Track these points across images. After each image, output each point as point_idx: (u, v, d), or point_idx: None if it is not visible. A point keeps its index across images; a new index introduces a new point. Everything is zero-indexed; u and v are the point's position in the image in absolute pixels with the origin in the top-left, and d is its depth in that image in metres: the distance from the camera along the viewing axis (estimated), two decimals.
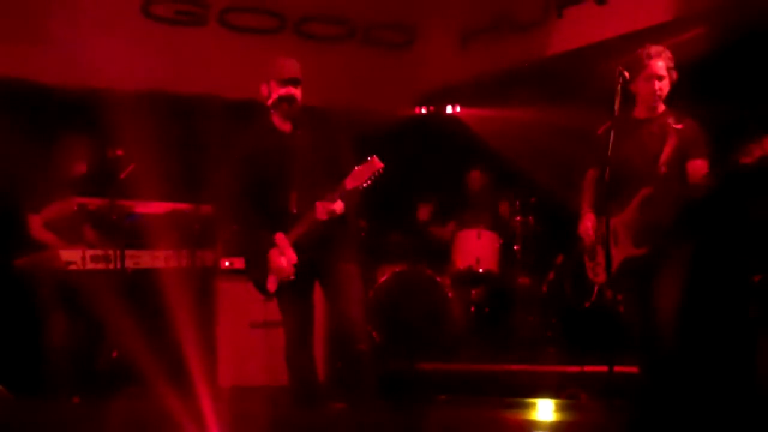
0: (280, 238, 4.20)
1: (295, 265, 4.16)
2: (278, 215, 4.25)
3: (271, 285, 4.24)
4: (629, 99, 4.21)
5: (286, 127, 4.33)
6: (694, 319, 4.30)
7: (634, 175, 4.11)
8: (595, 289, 4.52)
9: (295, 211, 4.21)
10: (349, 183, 4.07)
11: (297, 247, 4.20)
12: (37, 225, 5.20)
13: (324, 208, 4.11)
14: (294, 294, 4.27)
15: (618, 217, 4.16)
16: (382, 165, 4.06)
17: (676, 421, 3.80)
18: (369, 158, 4.08)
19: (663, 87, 4.17)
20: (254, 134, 4.36)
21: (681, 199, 4.07)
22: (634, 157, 4.12)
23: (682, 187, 4.08)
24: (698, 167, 4.06)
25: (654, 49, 4.17)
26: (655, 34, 4.43)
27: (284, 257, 4.16)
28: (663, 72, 4.15)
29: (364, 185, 4.07)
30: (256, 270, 4.30)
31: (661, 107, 4.23)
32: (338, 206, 4.12)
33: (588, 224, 4.33)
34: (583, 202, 4.42)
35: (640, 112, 4.24)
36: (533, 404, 4.67)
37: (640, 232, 4.12)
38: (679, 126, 4.12)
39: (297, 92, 4.25)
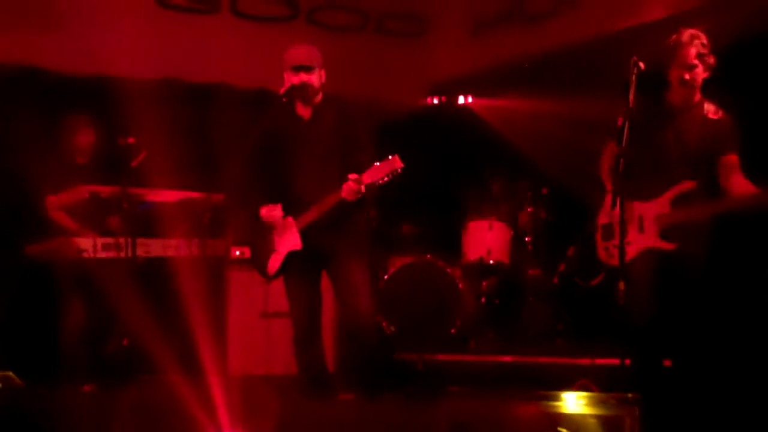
0: (289, 222, 4.20)
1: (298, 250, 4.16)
2: (290, 201, 4.24)
3: (271, 267, 4.24)
4: (665, 85, 4.05)
5: (305, 113, 4.31)
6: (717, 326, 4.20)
7: (669, 163, 3.98)
8: (602, 271, 4.27)
9: (307, 197, 4.21)
10: (367, 177, 4.03)
11: (306, 234, 4.20)
12: (55, 207, 5.19)
13: (350, 188, 4.04)
14: (301, 283, 4.27)
15: (647, 204, 4.02)
16: (402, 165, 3.99)
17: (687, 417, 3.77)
18: (390, 156, 4.03)
19: (694, 76, 3.99)
20: (273, 119, 4.34)
21: (722, 206, 3.91)
22: (670, 144, 3.99)
23: (724, 194, 3.92)
24: (741, 183, 3.89)
25: (685, 35, 4.00)
26: (672, 23, 4.32)
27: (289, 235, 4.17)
28: (694, 60, 3.97)
29: (380, 182, 4.03)
30: (259, 252, 4.30)
31: (697, 96, 4.07)
32: (363, 188, 4.05)
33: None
34: (607, 178, 4.20)
35: (675, 99, 4.05)
36: (544, 396, 4.65)
37: (672, 227, 3.96)
38: (716, 117, 4.01)
39: (310, 78, 4.21)
